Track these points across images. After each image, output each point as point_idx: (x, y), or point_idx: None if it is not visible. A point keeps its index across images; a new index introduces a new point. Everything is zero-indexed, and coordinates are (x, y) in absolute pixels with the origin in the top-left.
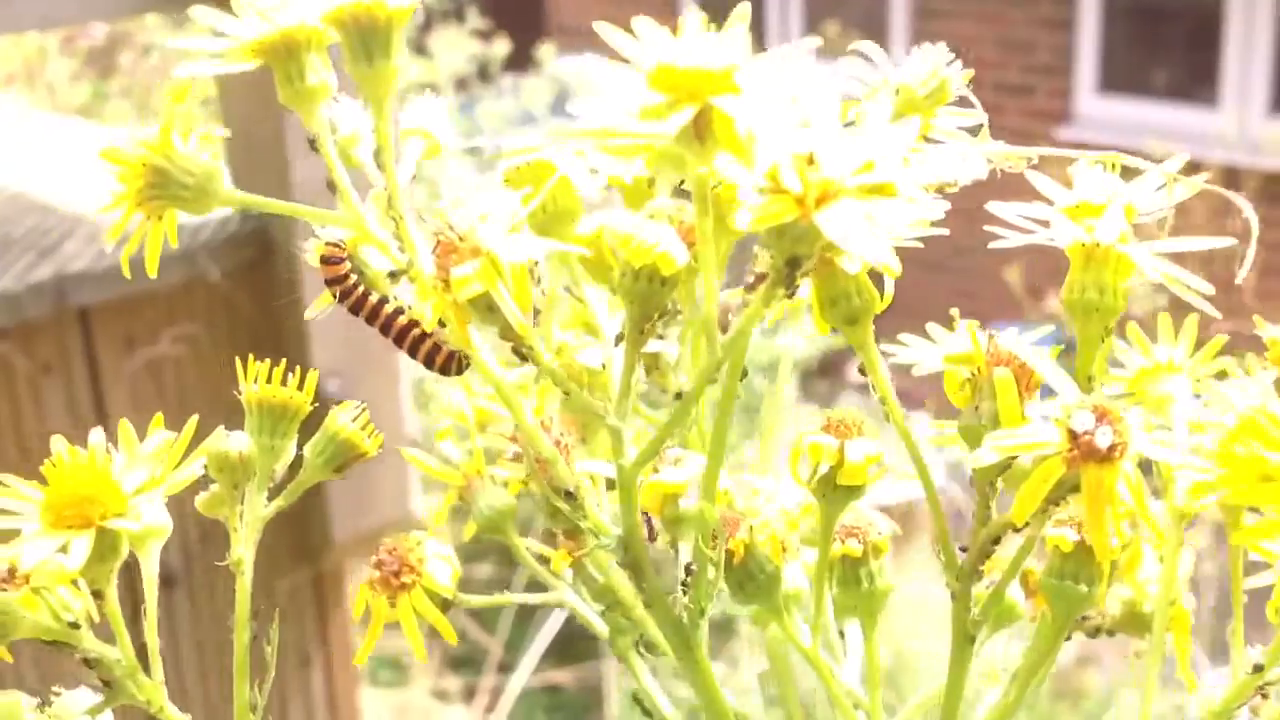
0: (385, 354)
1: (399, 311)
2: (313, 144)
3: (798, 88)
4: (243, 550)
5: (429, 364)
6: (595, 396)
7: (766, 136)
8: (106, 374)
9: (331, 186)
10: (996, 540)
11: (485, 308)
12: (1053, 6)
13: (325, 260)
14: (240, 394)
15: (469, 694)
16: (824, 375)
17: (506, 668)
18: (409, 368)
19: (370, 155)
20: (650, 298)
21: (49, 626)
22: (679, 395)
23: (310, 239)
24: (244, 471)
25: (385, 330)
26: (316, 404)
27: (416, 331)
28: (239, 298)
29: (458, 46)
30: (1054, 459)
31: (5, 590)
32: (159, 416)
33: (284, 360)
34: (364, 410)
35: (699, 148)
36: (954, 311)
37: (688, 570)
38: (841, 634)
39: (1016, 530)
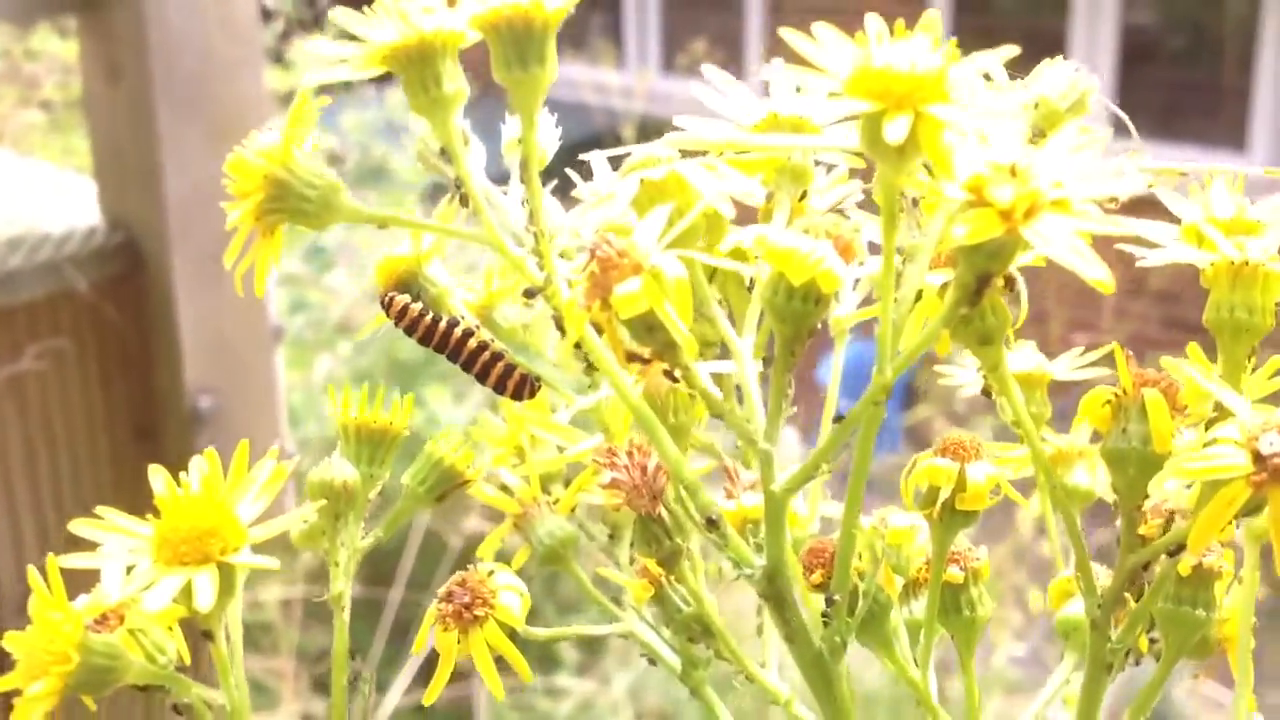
0: (260, 370)
1: (468, 334)
2: (443, 153)
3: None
4: (342, 585)
5: (500, 388)
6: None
7: (963, 146)
8: None
9: (464, 201)
10: (1146, 566)
11: (645, 327)
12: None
13: (384, 305)
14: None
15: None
16: None
17: (380, 688)
18: (286, 383)
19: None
20: (804, 318)
21: (155, 670)
22: (839, 418)
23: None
24: (348, 501)
25: (455, 355)
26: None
27: (487, 355)
28: (107, 311)
29: (318, 56)
30: (1238, 483)
31: (100, 633)
32: (243, 444)
33: (155, 376)
34: (464, 437)
35: (896, 158)
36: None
37: (828, 602)
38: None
39: (1170, 555)
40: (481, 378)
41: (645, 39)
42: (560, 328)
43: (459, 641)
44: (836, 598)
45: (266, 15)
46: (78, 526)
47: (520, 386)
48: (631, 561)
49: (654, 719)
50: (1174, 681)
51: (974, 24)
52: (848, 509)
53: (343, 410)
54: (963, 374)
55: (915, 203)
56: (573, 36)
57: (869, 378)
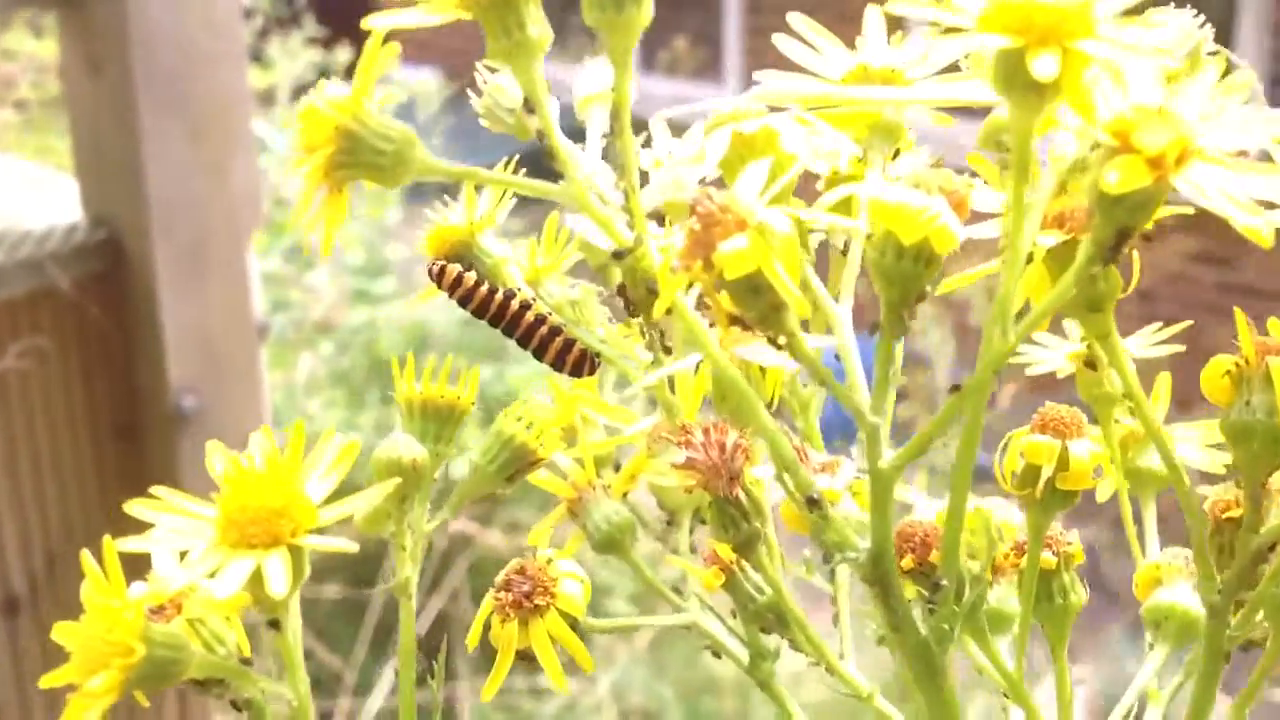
0: (244, 368)
1: (525, 306)
2: (528, 105)
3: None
4: (410, 571)
5: (558, 364)
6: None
7: (1105, 87)
8: None
9: (551, 155)
10: (1272, 547)
11: (749, 289)
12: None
13: (433, 275)
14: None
15: (324, 717)
16: None
17: (362, 690)
18: (271, 382)
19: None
20: (914, 280)
21: (217, 663)
22: (955, 388)
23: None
24: (415, 482)
25: (510, 329)
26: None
27: (545, 329)
28: (88, 309)
29: (296, 54)
30: None
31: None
32: (299, 422)
33: (138, 374)
34: (534, 412)
35: (1035, 99)
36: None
37: (935, 588)
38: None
39: None
40: (539, 353)
41: None
42: (646, 294)
43: (519, 633)
44: (944, 583)
45: (245, 13)
46: (133, 507)
47: (580, 362)
48: (692, 549)
49: (638, 718)
50: None
51: None
52: (955, 488)
53: (406, 384)
54: (1040, 353)
55: None
56: (557, 32)
57: None
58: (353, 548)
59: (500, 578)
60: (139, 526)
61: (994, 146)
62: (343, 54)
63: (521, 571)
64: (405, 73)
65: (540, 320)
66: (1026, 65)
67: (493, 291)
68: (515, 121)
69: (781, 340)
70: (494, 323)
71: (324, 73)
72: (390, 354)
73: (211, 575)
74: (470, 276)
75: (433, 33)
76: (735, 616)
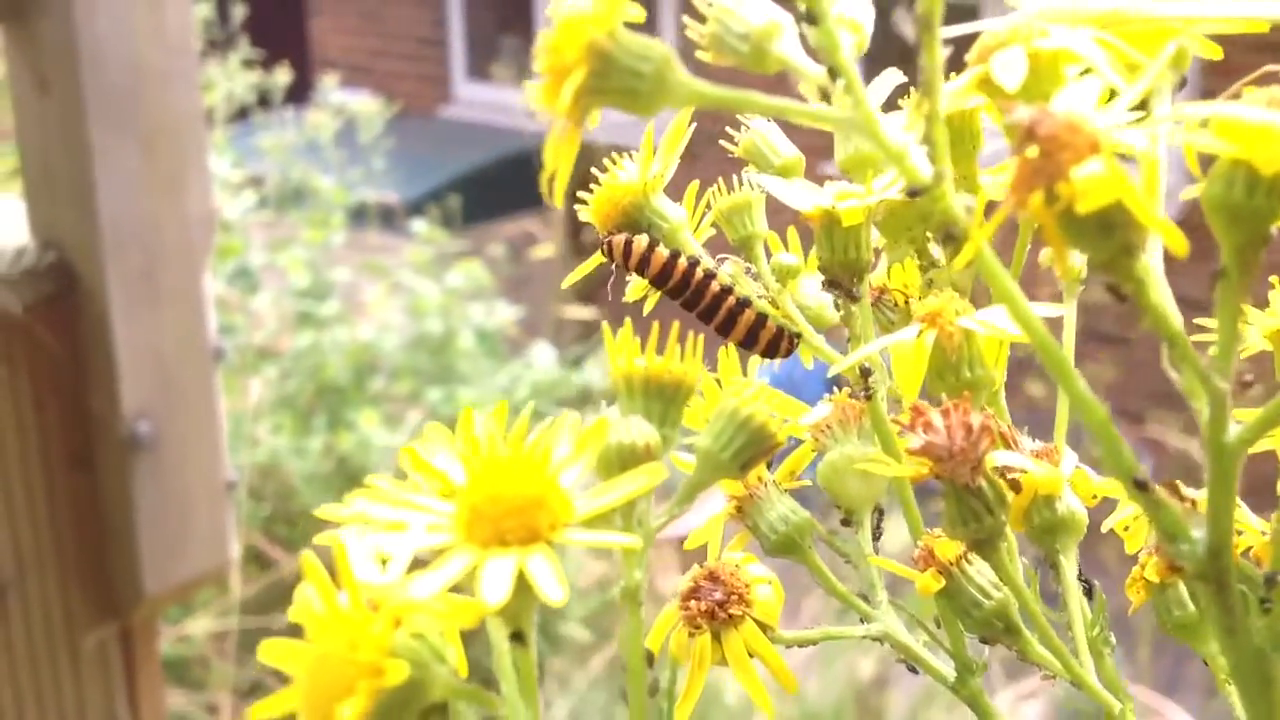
0: (200, 392)
1: (710, 276)
2: (810, 16)
3: None
4: (639, 575)
5: (749, 342)
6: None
7: None
8: None
9: (834, 73)
10: None
11: (1100, 227)
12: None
13: (606, 250)
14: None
15: None
16: None
17: None
18: (228, 408)
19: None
20: (1264, 218)
21: (461, 687)
22: None
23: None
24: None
25: (694, 301)
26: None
27: (733, 301)
28: (39, 334)
29: (234, 75)
30: None
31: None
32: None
33: (90, 400)
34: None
35: None
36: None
37: (1270, 584)
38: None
39: None
40: (725, 329)
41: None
42: (950, 239)
43: (712, 647)
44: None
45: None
46: (351, 501)
47: (776, 340)
48: (876, 550)
49: None
50: None
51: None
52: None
53: (626, 358)
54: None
55: None
56: (491, 56)
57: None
58: (635, 543)
59: (685, 584)
60: (95, 557)
61: None
62: (281, 76)
63: (712, 577)
64: (344, 94)
65: (727, 291)
66: None
67: (674, 256)
68: (751, 50)
69: (1127, 289)
70: (674, 294)
71: (262, 95)
72: (336, 378)
73: (471, 576)
74: (641, 240)
75: (370, 56)
76: (939, 625)
